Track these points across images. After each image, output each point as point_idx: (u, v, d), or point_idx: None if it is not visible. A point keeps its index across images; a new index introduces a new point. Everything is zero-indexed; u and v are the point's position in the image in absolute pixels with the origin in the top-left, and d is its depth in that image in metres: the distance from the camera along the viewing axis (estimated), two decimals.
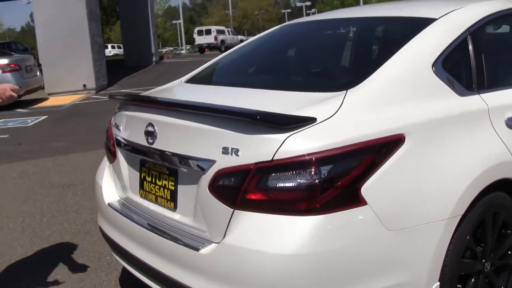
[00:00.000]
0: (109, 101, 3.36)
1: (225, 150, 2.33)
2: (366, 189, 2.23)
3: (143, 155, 2.85)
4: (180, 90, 3.46)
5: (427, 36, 2.83)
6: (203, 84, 3.50)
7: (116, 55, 47.49)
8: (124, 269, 3.46)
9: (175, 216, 2.66)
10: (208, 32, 48.31)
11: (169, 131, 2.66)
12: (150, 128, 2.72)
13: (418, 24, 2.92)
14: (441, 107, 2.60)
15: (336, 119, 2.30)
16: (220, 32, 49.33)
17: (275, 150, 2.21)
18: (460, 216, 2.46)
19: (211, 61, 3.86)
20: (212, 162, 2.37)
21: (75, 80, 16.04)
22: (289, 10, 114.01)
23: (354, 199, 2.22)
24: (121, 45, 56.16)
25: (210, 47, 47.60)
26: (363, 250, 2.25)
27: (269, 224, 2.24)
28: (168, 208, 2.72)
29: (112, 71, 20.02)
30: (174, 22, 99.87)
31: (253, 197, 2.26)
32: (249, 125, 2.29)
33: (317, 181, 2.18)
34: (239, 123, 2.33)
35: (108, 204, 3.13)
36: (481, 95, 2.82)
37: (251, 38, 4.13)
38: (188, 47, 62.95)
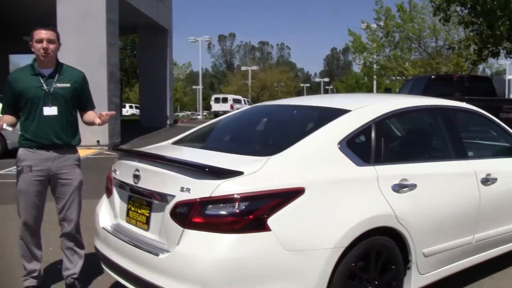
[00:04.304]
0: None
1: (182, 189, 3.47)
2: (271, 221, 3.33)
3: (131, 191, 4.00)
4: (163, 148, 4.62)
5: (340, 122, 4.02)
6: (180, 145, 4.69)
7: (133, 114, 49.04)
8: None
9: (147, 234, 3.78)
10: (225, 100, 50.25)
11: (148, 175, 3.82)
12: (136, 172, 3.88)
13: (338, 113, 4.13)
14: (339, 172, 3.74)
15: (257, 174, 3.45)
16: (236, 101, 51.14)
17: (213, 190, 3.35)
18: (344, 248, 3.52)
19: (191, 130, 5.08)
20: (173, 196, 3.51)
21: (90, 136, 16.76)
22: (308, 85, 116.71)
23: (262, 226, 3.32)
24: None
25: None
26: (265, 260, 3.33)
27: (205, 238, 3.34)
28: (143, 229, 3.83)
29: (127, 130, 21.30)
30: (194, 87, 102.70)
31: (196, 220, 3.38)
32: (200, 173, 3.45)
33: (237, 211, 3.31)
34: (193, 172, 3.49)
35: (103, 227, 4.25)
36: (375, 166, 3.94)
37: (225, 115, 5.38)
38: (204, 113, 64.91)
